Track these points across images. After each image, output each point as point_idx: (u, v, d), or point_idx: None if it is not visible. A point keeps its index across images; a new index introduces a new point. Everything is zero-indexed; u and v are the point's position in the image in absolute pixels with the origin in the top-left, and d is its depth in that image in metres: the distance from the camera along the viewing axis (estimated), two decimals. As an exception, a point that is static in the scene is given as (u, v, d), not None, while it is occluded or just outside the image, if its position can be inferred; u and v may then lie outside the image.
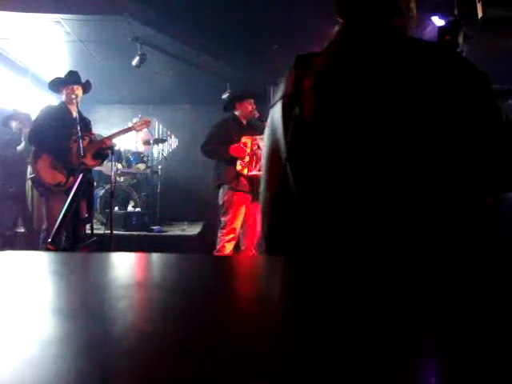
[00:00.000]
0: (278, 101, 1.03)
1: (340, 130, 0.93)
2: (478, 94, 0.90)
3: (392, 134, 0.88)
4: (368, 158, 0.90)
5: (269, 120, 1.06)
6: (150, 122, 3.93)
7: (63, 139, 3.23)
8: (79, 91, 3.35)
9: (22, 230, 4.43)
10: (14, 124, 4.21)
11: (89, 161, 3.29)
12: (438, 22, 4.40)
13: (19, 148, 4.07)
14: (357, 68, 0.94)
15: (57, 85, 3.41)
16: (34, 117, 3.54)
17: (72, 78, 3.36)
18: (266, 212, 1.06)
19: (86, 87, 3.45)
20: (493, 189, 0.98)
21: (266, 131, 1.07)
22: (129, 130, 3.83)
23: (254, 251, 3.60)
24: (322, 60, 0.99)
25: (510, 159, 0.89)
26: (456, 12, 4.07)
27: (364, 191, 0.90)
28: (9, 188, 4.10)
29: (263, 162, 1.09)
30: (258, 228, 3.66)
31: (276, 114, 1.02)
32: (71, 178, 3.18)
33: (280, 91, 1.04)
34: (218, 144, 3.46)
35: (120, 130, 3.77)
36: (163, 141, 6.65)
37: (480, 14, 3.78)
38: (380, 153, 0.89)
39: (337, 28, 1.04)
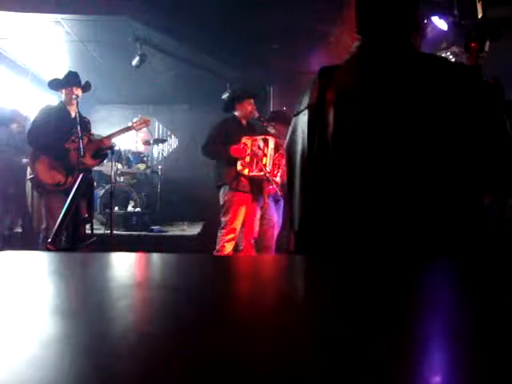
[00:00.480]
0: (303, 110, 1.11)
1: (358, 142, 1.01)
2: (485, 108, 0.97)
3: (406, 144, 0.96)
4: (383, 166, 0.98)
5: (293, 126, 1.15)
6: (149, 121, 3.92)
7: (62, 139, 3.22)
8: (78, 92, 3.34)
9: (22, 230, 4.43)
10: (14, 126, 4.20)
11: (88, 160, 3.28)
12: (437, 22, 4.40)
13: (25, 160, 4.04)
14: (375, 84, 1.01)
15: (56, 85, 3.40)
16: (32, 117, 3.54)
17: (71, 80, 3.35)
18: (296, 211, 1.14)
19: (86, 87, 3.45)
20: (493, 193, 1.06)
21: (291, 137, 1.15)
22: (128, 129, 3.82)
23: (251, 251, 3.60)
24: (343, 74, 1.07)
25: (510, 168, 0.98)
26: (456, 12, 4.07)
27: (379, 195, 0.98)
28: (9, 188, 4.10)
29: (287, 165, 1.18)
30: (256, 228, 3.66)
31: (302, 122, 1.10)
32: (70, 178, 3.18)
33: (305, 100, 1.11)
34: (218, 145, 3.46)
35: (119, 129, 3.76)
36: (163, 141, 6.64)
37: (480, 14, 3.78)
38: (394, 159, 0.97)
39: (357, 43, 1.10)
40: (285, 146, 1.19)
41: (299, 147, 1.11)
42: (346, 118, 1.03)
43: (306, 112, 1.10)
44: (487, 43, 1.22)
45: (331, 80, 1.07)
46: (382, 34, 1.06)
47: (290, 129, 1.16)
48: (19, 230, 4.48)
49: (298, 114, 1.14)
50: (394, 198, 0.98)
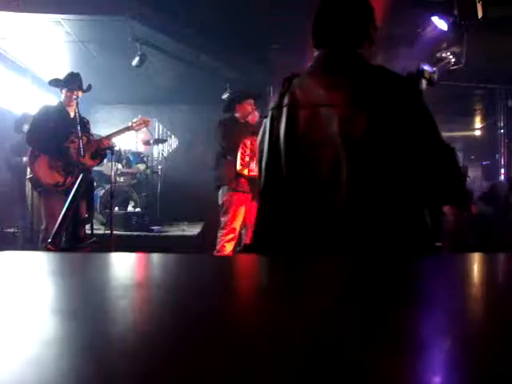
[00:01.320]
0: (269, 111, 1.21)
1: (303, 143, 1.11)
2: (424, 123, 1.07)
3: (350, 151, 1.04)
4: (330, 171, 1.06)
5: (264, 126, 1.23)
6: (148, 121, 3.90)
7: (61, 139, 3.22)
8: (78, 94, 3.33)
9: (22, 230, 4.43)
10: (25, 127, 4.20)
11: (87, 161, 3.27)
12: (437, 22, 4.40)
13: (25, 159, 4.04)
14: (325, 93, 1.10)
15: (56, 85, 3.39)
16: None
17: (73, 83, 3.32)
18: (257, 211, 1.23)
19: (87, 90, 3.44)
20: (434, 203, 1.15)
21: (262, 137, 1.23)
22: (127, 129, 3.81)
23: None
24: (300, 82, 1.17)
25: (447, 181, 1.09)
26: (456, 12, 4.07)
27: (327, 201, 1.06)
28: (12, 189, 4.11)
29: (258, 164, 1.26)
30: None
31: (266, 123, 1.20)
32: (69, 179, 3.17)
33: (271, 105, 1.22)
34: (231, 139, 3.42)
35: (118, 129, 3.75)
36: (163, 141, 6.64)
37: (480, 14, 3.78)
38: (340, 164, 1.05)
39: (316, 53, 1.20)
40: (257, 144, 1.27)
41: (265, 145, 1.19)
42: (296, 122, 1.12)
43: (270, 113, 1.20)
44: (423, 84, 1.31)
45: (290, 86, 1.16)
46: (336, 46, 1.16)
47: (262, 128, 1.24)
48: (19, 230, 4.48)
49: (266, 116, 1.23)
50: (340, 201, 1.04)
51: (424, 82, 1.36)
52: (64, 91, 3.33)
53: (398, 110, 1.04)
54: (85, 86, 3.39)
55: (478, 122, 9.49)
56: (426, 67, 1.35)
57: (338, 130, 1.04)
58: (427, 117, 1.08)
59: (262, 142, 1.22)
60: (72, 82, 3.33)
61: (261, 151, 1.22)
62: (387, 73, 1.11)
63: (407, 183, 1.05)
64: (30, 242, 3.99)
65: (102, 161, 3.65)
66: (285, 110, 1.14)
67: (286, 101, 1.15)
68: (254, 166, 3.47)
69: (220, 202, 3.58)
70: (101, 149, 3.41)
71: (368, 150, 1.03)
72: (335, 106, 1.06)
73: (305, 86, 1.15)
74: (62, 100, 3.36)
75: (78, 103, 3.26)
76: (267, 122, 1.20)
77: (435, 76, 1.41)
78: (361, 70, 1.11)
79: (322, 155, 1.07)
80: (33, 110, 4.84)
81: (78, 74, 3.40)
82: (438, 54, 4.92)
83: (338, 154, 1.04)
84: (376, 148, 1.03)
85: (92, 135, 3.51)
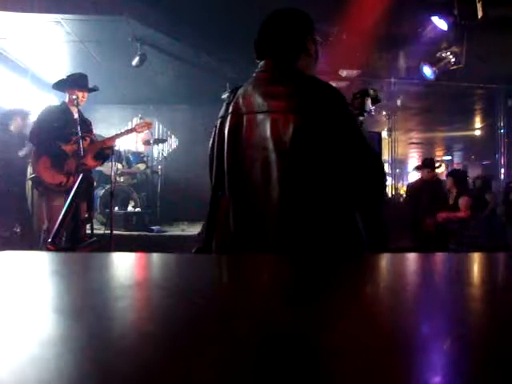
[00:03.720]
0: (217, 120, 1.31)
1: (243, 147, 1.19)
2: (349, 129, 1.16)
3: (281, 150, 1.12)
4: (270, 179, 1.14)
5: (212, 137, 1.33)
6: (151, 124, 3.91)
7: (64, 140, 3.22)
8: (83, 95, 3.32)
9: (22, 230, 4.42)
10: (13, 124, 4.18)
11: (89, 161, 3.27)
12: (437, 22, 4.40)
13: (22, 153, 4.03)
14: (261, 98, 1.19)
15: (62, 86, 3.39)
16: (35, 114, 3.52)
17: (80, 85, 3.32)
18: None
19: (92, 90, 3.44)
20: (361, 204, 1.23)
21: (209, 145, 1.33)
22: (130, 131, 3.81)
23: None
24: (243, 92, 1.25)
25: (371, 183, 1.18)
26: (456, 12, 4.07)
27: (268, 210, 1.14)
28: (9, 189, 4.08)
29: (209, 168, 1.34)
30: None
31: (215, 131, 1.31)
32: (72, 178, 3.17)
33: (219, 113, 1.31)
34: None
35: (121, 131, 3.75)
36: (163, 141, 6.64)
37: (480, 14, 3.78)
38: (279, 172, 1.13)
39: (259, 66, 1.29)
40: (209, 149, 1.35)
41: (214, 151, 1.29)
42: (238, 128, 1.21)
43: (218, 121, 1.30)
44: (368, 102, 1.48)
45: (234, 96, 1.26)
46: (274, 58, 1.26)
47: (211, 138, 1.34)
48: (19, 230, 4.47)
49: (217, 119, 1.32)
50: (272, 201, 1.13)
51: (369, 101, 1.47)
52: (68, 91, 3.32)
53: (326, 116, 1.13)
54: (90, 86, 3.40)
55: (478, 122, 9.49)
56: (371, 88, 1.47)
57: (270, 134, 1.14)
58: (352, 123, 1.18)
59: (211, 149, 1.32)
60: (78, 83, 3.33)
61: (210, 159, 1.31)
62: (318, 82, 1.20)
63: (335, 186, 1.14)
64: (29, 242, 3.99)
65: (104, 162, 3.65)
66: (229, 117, 1.24)
67: (230, 109, 1.25)
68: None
69: None
70: (103, 150, 3.41)
71: (297, 153, 1.12)
72: (270, 112, 1.16)
73: (247, 94, 1.24)
74: (66, 100, 3.36)
75: (78, 103, 3.26)
76: (215, 130, 1.30)
77: (378, 94, 1.52)
78: (295, 80, 1.21)
79: (257, 158, 1.16)
80: (20, 105, 4.81)
81: (85, 76, 3.40)
82: (438, 54, 4.92)
83: (270, 156, 1.14)
84: (305, 151, 1.12)
85: (94, 135, 3.51)
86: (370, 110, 1.49)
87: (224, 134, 1.24)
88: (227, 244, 1.22)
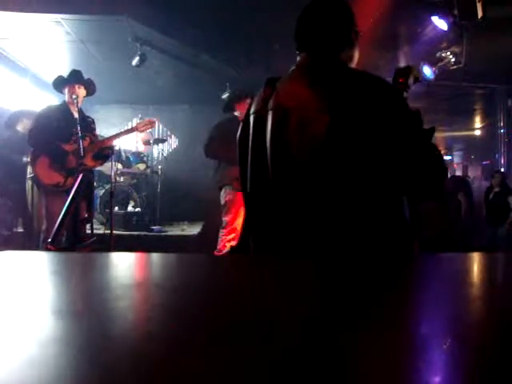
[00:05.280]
0: (252, 114, 1.23)
1: (291, 147, 1.12)
2: (405, 123, 1.10)
3: (337, 153, 1.07)
4: (318, 174, 1.09)
5: (245, 124, 1.25)
6: (154, 122, 3.89)
7: (63, 140, 3.21)
8: (81, 90, 3.32)
9: (22, 230, 4.42)
10: (20, 125, 4.17)
11: (89, 161, 3.26)
12: (437, 22, 4.40)
13: (25, 159, 4.02)
14: (310, 96, 1.12)
15: (60, 84, 3.38)
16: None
17: (74, 78, 3.34)
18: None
19: (90, 88, 3.43)
20: (419, 197, 1.19)
21: (243, 134, 1.25)
22: (130, 130, 3.80)
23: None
24: (284, 85, 1.19)
25: (430, 176, 1.12)
26: (456, 12, 4.07)
27: (313, 203, 1.09)
28: (12, 188, 4.09)
29: (239, 161, 1.28)
30: None
31: (251, 124, 1.22)
32: (70, 179, 3.16)
33: (252, 108, 1.24)
34: (219, 144, 3.45)
35: (122, 130, 3.74)
36: (163, 141, 6.63)
37: (480, 14, 3.78)
38: (328, 167, 1.08)
39: (298, 58, 1.22)
40: (237, 141, 1.28)
41: (250, 148, 1.22)
42: (284, 126, 1.13)
43: (252, 117, 1.22)
44: (411, 79, 1.40)
45: (274, 90, 1.18)
46: (317, 51, 1.19)
47: (242, 125, 1.26)
48: (19, 229, 4.47)
49: (248, 114, 1.25)
50: (325, 201, 1.08)
51: (412, 78, 1.41)
52: (66, 89, 3.33)
53: (376, 110, 1.07)
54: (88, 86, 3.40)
55: (478, 122, 9.49)
56: (425, 66, 1.42)
57: (317, 132, 1.08)
58: (406, 115, 1.11)
59: (242, 145, 1.25)
60: (72, 77, 3.34)
61: (241, 154, 1.25)
62: (366, 76, 1.14)
63: (386, 183, 1.09)
64: (29, 242, 3.99)
65: (104, 162, 3.64)
66: (270, 113, 1.16)
67: (270, 104, 1.17)
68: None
69: (222, 201, 3.58)
70: (103, 150, 3.40)
71: (346, 151, 1.07)
72: (319, 111, 1.09)
73: (289, 90, 1.17)
74: (65, 99, 3.36)
75: (77, 103, 3.26)
76: (248, 126, 1.23)
77: (420, 74, 1.47)
78: (341, 75, 1.14)
79: (304, 156, 1.10)
80: (28, 106, 4.82)
81: (78, 71, 3.40)
82: (438, 54, 4.92)
83: (318, 154, 1.08)
84: (354, 148, 1.07)
85: (96, 136, 3.50)
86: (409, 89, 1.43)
87: (265, 130, 1.17)
88: (266, 244, 1.16)
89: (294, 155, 1.12)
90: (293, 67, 1.22)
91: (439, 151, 1.16)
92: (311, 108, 1.10)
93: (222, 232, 3.57)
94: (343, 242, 1.06)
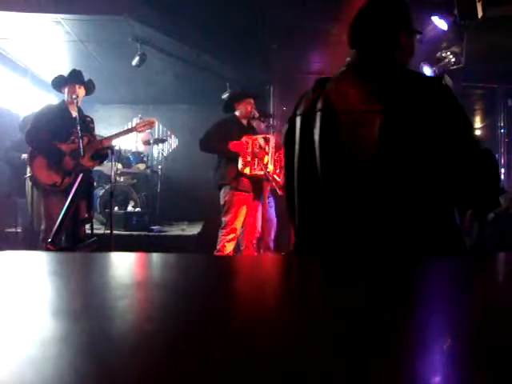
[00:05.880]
0: (298, 114, 1.22)
1: (341, 149, 1.10)
2: (458, 126, 1.06)
3: (391, 156, 1.04)
4: (369, 176, 1.06)
5: (290, 126, 1.23)
6: (154, 122, 3.89)
7: (61, 139, 3.21)
8: (81, 90, 3.32)
9: (22, 230, 4.42)
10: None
11: (86, 162, 3.25)
12: (437, 22, 4.40)
13: (24, 156, 4.03)
14: (363, 97, 1.10)
15: (59, 83, 3.38)
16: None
17: (74, 77, 3.34)
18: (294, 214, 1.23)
19: (90, 88, 3.43)
20: (473, 207, 1.17)
21: (289, 136, 1.23)
22: (129, 131, 3.80)
23: (252, 251, 3.59)
24: (334, 86, 1.17)
25: (484, 183, 1.08)
26: (456, 12, 4.07)
27: (365, 206, 1.06)
28: (12, 187, 4.10)
29: (285, 163, 1.27)
30: (258, 228, 3.65)
31: (297, 125, 1.21)
32: (67, 179, 3.16)
33: (301, 106, 1.22)
34: (216, 141, 3.45)
35: (122, 130, 3.73)
36: (163, 141, 6.63)
37: (480, 14, 3.78)
38: (379, 170, 1.05)
39: (349, 58, 1.20)
40: (283, 143, 1.27)
41: (296, 149, 1.20)
42: (334, 128, 1.11)
43: (299, 118, 1.20)
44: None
45: (323, 91, 1.17)
46: (371, 49, 1.18)
47: (287, 126, 1.24)
48: (19, 229, 4.48)
49: (295, 116, 1.23)
50: (376, 205, 1.06)
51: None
52: (66, 89, 3.32)
53: (430, 113, 1.04)
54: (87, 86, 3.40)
55: (478, 122, 9.48)
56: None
57: (373, 135, 1.05)
58: (460, 118, 1.06)
59: (288, 147, 1.23)
60: (72, 77, 3.34)
61: (287, 156, 1.23)
62: (418, 76, 1.11)
63: (437, 187, 1.05)
64: (29, 242, 3.99)
65: (102, 162, 3.64)
66: (319, 114, 1.14)
67: (319, 105, 1.15)
68: (255, 165, 3.47)
69: (222, 201, 3.58)
70: (102, 150, 3.39)
71: (396, 153, 1.04)
72: (371, 112, 1.06)
73: (339, 90, 1.15)
74: (65, 99, 3.36)
75: (77, 102, 3.26)
76: (297, 125, 1.20)
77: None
78: (394, 75, 1.12)
79: (354, 159, 1.08)
80: (37, 110, 4.83)
81: (78, 71, 3.40)
82: (438, 54, 4.92)
83: (368, 157, 1.06)
84: (405, 151, 1.04)
85: (93, 135, 3.49)
86: None
87: (313, 132, 1.15)
88: (319, 246, 1.15)
89: (344, 157, 1.10)
90: (343, 67, 1.20)
91: (495, 161, 1.12)
92: (362, 109, 1.08)
93: (221, 232, 3.57)
94: (393, 246, 1.04)
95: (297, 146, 1.20)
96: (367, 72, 1.15)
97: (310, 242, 1.18)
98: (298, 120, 1.20)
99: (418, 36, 1.27)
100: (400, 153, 1.04)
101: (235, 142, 3.43)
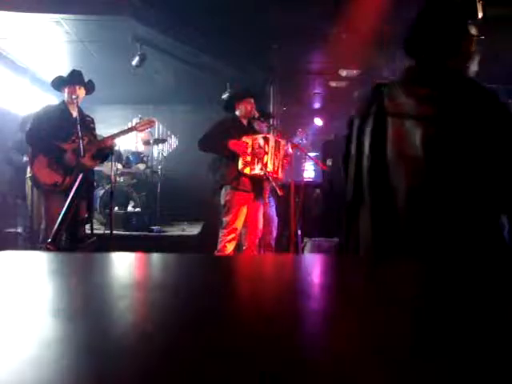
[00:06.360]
0: (355, 117, 1.25)
1: (389, 153, 1.12)
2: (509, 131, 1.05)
3: (448, 161, 1.04)
4: (424, 180, 1.07)
5: (350, 126, 1.26)
6: (154, 122, 3.88)
7: (61, 139, 3.21)
8: (81, 91, 3.32)
9: (22, 230, 4.43)
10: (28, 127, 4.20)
11: (87, 161, 3.25)
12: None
13: (25, 158, 4.04)
14: (410, 102, 1.11)
15: (59, 83, 3.38)
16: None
17: (74, 78, 3.34)
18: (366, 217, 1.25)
19: (89, 88, 3.43)
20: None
21: (350, 135, 1.26)
22: (129, 130, 3.79)
23: (254, 250, 3.59)
24: (392, 90, 1.18)
25: None
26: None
27: (422, 210, 1.07)
28: (13, 188, 4.11)
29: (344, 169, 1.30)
30: (260, 227, 3.64)
31: (353, 128, 1.24)
32: (68, 179, 3.16)
33: (357, 111, 1.25)
34: (216, 140, 3.45)
35: (122, 130, 3.73)
36: (163, 141, 6.63)
37: (480, 14, 3.78)
38: (435, 174, 1.05)
39: (406, 64, 1.21)
40: (344, 142, 1.29)
41: (352, 149, 1.24)
42: (384, 132, 1.13)
43: (356, 120, 1.23)
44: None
45: (378, 95, 1.19)
46: (426, 57, 1.17)
47: (348, 128, 1.28)
48: (19, 229, 4.48)
49: (353, 117, 1.26)
50: (427, 208, 1.07)
51: None
52: (66, 89, 3.32)
53: (484, 122, 1.04)
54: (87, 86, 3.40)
55: (477, 122, 9.48)
56: None
57: (418, 141, 1.06)
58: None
59: (347, 147, 1.26)
60: (72, 78, 3.34)
61: (345, 156, 1.26)
62: (475, 86, 1.11)
63: (486, 194, 1.05)
64: (30, 242, 3.99)
65: (103, 162, 3.63)
66: (371, 118, 1.17)
67: (373, 109, 1.18)
68: (255, 165, 3.47)
69: (222, 201, 3.57)
70: (102, 149, 3.39)
71: (445, 160, 1.05)
72: (422, 119, 1.07)
73: (393, 96, 1.17)
74: (64, 99, 3.36)
75: (77, 102, 3.26)
76: (352, 130, 1.23)
77: None
78: (449, 83, 1.12)
79: (401, 164, 1.10)
80: (36, 110, 4.84)
81: (78, 71, 3.40)
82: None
83: (414, 163, 1.07)
84: (454, 158, 1.04)
85: (94, 135, 3.49)
86: None
87: (364, 134, 1.18)
88: (365, 249, 1.16)
89: (391, 163, 1.11)
90: (401, 73, 1.22)
91: None
92: (414, 116, 1.09)
93: (222, 232, 3.56)
94: (445, 244, 1.05)
95: (353, 148, 1.23)
96: (422, 78, 1.16)
97: (385, 241, 1.18)
98: (356, 122, 1.24)
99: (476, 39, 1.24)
100: (450, 160, 1.04)
101: (235, 140, 3.43)
